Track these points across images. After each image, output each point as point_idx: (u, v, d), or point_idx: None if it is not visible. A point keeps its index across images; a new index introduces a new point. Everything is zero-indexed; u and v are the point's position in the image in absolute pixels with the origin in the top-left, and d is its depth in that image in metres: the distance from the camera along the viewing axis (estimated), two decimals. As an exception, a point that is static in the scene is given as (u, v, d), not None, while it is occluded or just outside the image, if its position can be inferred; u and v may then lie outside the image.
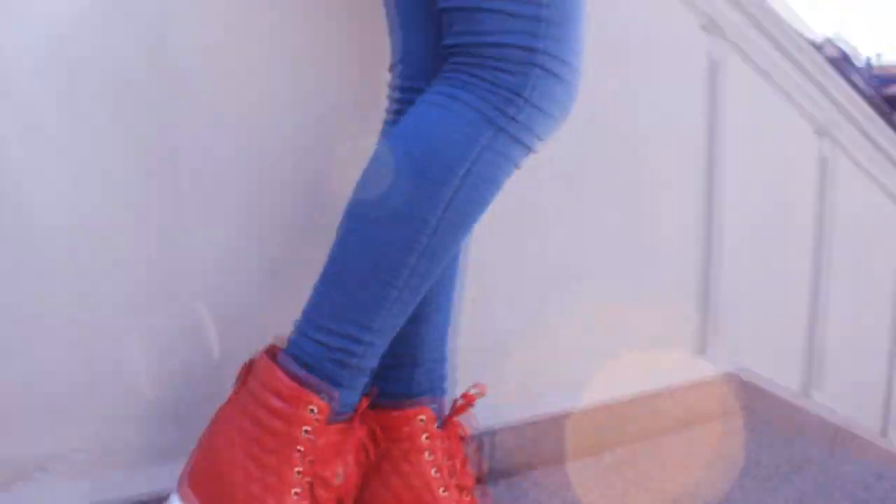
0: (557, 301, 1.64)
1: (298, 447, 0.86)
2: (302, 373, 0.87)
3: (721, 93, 2.00)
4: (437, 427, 1.03)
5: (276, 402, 0.86)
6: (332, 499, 0.89)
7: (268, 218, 1.09)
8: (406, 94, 1.05)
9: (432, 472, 1.02)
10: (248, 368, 0.91)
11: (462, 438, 1.08)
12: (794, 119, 2.22)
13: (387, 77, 1.09)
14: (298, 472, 0.86)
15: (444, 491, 1.02)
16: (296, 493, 0.86)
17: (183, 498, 0.87)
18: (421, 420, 1.02)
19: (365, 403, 0.91)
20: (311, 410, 0.86)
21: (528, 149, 0.92)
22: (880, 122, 2.38)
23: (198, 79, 1.01)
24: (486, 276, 1.37)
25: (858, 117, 2.32)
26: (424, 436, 1.02)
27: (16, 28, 0.88)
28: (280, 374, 0.86)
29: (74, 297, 0.93)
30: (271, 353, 0.91)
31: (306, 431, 0.86)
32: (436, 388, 1.08)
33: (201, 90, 1.01)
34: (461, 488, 1.04)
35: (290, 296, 0.96)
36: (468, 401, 1.05)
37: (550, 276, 1.61)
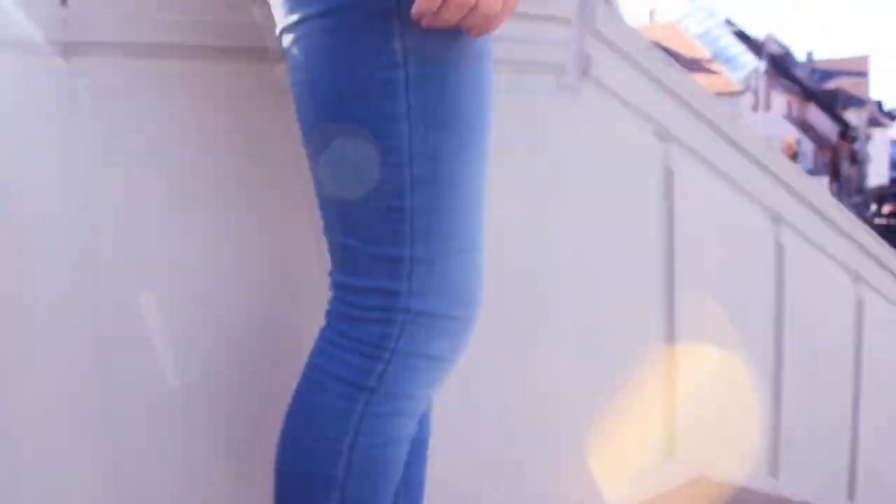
0: (522, 425, 1.63)
1: None
2: None
3: (676, 194, 1.99)
4: None
5: None
6: None
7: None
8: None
9: None
10: None
11: None
12: (749, 209, 2.22)
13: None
14: None
15: None
16: None
17: None
18: None
19: None
20: None
21: (409, 415, 0.86)
22: (833, 201, 2.40)
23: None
24: (442, 413, 1.35)
25: (811, 199, 2.34)
26: None
27: None
28: None
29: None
30: None
31: None
32: None
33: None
34: None
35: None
36: None
37: (512, 400, 1.60)
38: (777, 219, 2.27)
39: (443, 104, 0.81)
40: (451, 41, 0.80)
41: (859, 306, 2.60)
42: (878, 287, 2.67)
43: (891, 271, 2.69)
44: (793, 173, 2.31)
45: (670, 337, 2.03)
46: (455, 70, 0.81)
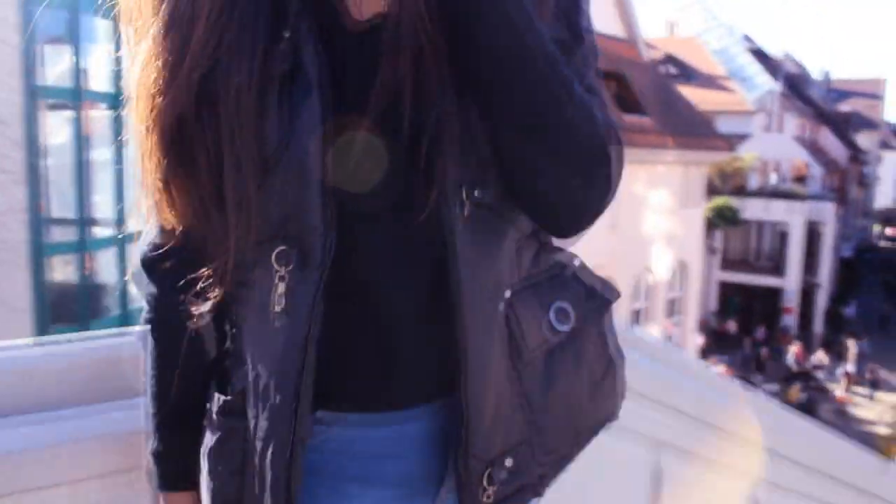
0: None
1: None
2: None
3: (664, 491, 2.17)
4: None
5: None
6: None
7: None
8: None
9: None
10: None
11: None
12: (732, 486, 2.40)
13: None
14: None
15: None
16: None
17: None
18: None
19: None
20: None
21: None
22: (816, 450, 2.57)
23: None
24: None
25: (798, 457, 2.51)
26: None
27: None
28: None
29: None
30: None
31: None
32: None
33: None
34: None
35: None
36: None
37: None
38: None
39: None
40: None
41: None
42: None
43: None
44: (773, 443, 2.49)
45: None
46: None
